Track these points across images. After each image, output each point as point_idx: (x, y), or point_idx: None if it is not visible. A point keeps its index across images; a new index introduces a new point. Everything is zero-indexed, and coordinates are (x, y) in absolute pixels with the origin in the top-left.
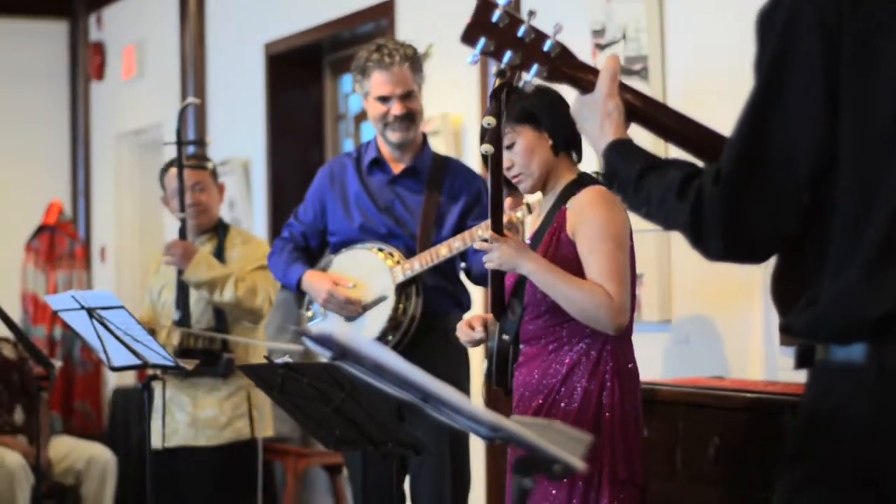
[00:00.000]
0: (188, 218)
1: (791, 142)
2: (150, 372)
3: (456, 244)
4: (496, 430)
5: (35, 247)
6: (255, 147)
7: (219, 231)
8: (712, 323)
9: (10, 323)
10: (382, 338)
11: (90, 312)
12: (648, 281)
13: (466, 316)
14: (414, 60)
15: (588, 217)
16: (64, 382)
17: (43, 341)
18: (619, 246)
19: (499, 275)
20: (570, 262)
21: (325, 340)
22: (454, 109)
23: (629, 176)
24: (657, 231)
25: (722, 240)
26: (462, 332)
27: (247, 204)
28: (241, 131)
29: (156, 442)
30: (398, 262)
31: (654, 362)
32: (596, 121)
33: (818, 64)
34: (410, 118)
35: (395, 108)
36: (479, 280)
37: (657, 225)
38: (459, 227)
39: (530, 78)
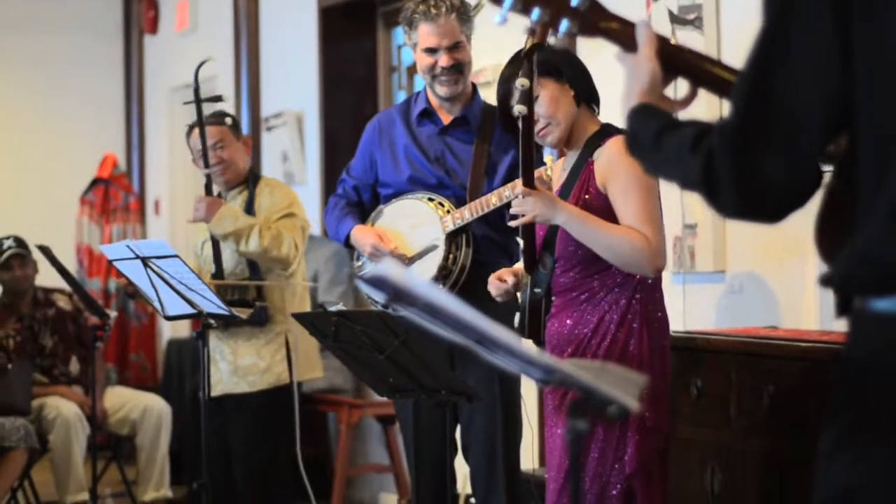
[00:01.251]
0: (214, 175)
1: (800, 88)
2: (203, 321)
3: (506, 193)
4: (551, 373)
5: (90, 200)
6: (308, 100)
7: (249, 183)
8: (766, 273)
9: (66, 274)
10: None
11: (144, 261)
12: (703, 231)
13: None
14: (461, 11)
15: (618, 167)
16: (119, 334)
17: (98, 293)
18: (650, 192)
19: (529, 228)
20: (602, 214)
21: (379, 282)
22: (506, 60)
23: (648, 137)
24: None
25: (734, 195)
26: (492, 286)
27: (300, 157)
28: (294, 84)
29: (202, 393)
30: (448, 212)
31: (707, 312)
32: (628, 83)
33: (827, 4)
34: (458, 69)
35: (443, 60)
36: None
37: (676, 184)
38: (510, 177)
39: (561, 34)
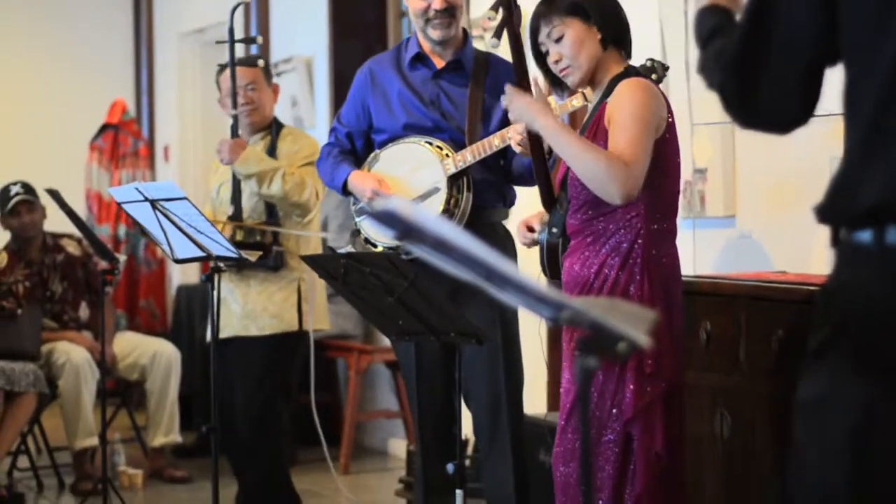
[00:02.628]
0: (241, 117)
1: (795, 16)
2: (212, 264)
3: (509, 134)
4: (560, 309)
5: (99, 145)
6: (317, 44)
7: (272, 130)
8: (776, 218)
9: (75, 217)
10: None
11: (153, 204)
12: (712, 176)
13: (515, 213)
14: None
15: (619, 103)
16: (128, 281)
17: (107, 240)
18: (646, 129)
19: (543, 169)
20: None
21: (387, 217)
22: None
23: (700, 40)
24: (721, 125)
25: (738, 112)
26: (521, 234)
27: (309, 102)
28: (303, 29)
29: (210, 337)
30: (448, 155)
31: (717, 257)
32: None
33: None
34: (451, 13)
35: (436, 3)
36: (517, 179)
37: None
38: (505, 122)
39: None
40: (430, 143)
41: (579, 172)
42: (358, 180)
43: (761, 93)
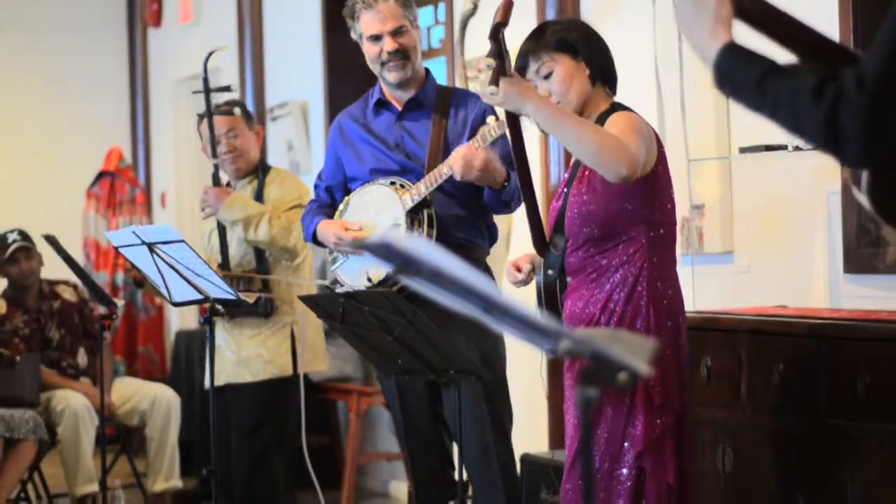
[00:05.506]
0: (224, 164)
1: None
2: (210, 307)
3: (449, 162)
4: (559, 340)
5: (96, 193)
6: (312, 89)
7: (259, 173)
8: (774, 253)
9: (72, 263)
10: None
11: (150, 247)
12: (710, 211)
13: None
14: None
15: (613, 121)
16: (127, 327)
17: (105, 287)
18: (640, 136)
19: (534, 212)
20: (602, 187)
21: (384, 249)
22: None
23: (750, 78)
24: (717, 161)
25: (862, 145)
26: (510, 275)
27: (305, 146)
28: (298, 73)
29: (207, 382)
30: (407, 191)
31: (716, 293)
32: (706, 24)
33: None
34: (404, 55)
35: (387, 45)
36: (493, 208)
37: (782, 126)
38: None
39: None
40: (394, 183)
41: (579, 150)
42: (323, 228)
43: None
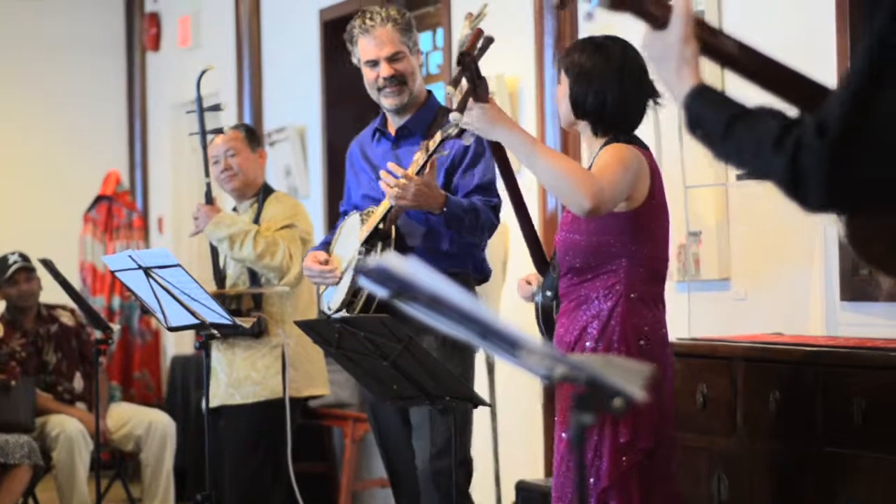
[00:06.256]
0: (222, 183)
1: None
2: (206, 332)
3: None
4: (555, 366)
5: (93, 217)
6: (310, 114)
7: (261, 196)
8: (771, 280)
9: (68, 287)
10: (353, 297)
11: (147, 272)
12: (707, 239)
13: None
14: (399, 21)
15: (602, 154)
16: (123, 352)
17: (102, 311)
18: (622, 166)
19: (531, 233)
20: (591, 219)
21: (381, 274)
22: (510, 71)
23: (717, 124)
24: (714, 188)
25: (824, 194)
26: (521, 289)
27: (303, 171)
28: (296, 98)
29: (205, 404)
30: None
31: (713, 320)
32: (671, 64)
33: None
34: (400, 80)
35: (383, 70)
36: (449, 236)
37: (748, 174)
38: (445, 184)
39: (591, 7)
40: (365, 214)
41: (544, 180)
42: (304, 261)
43: (859, 175)
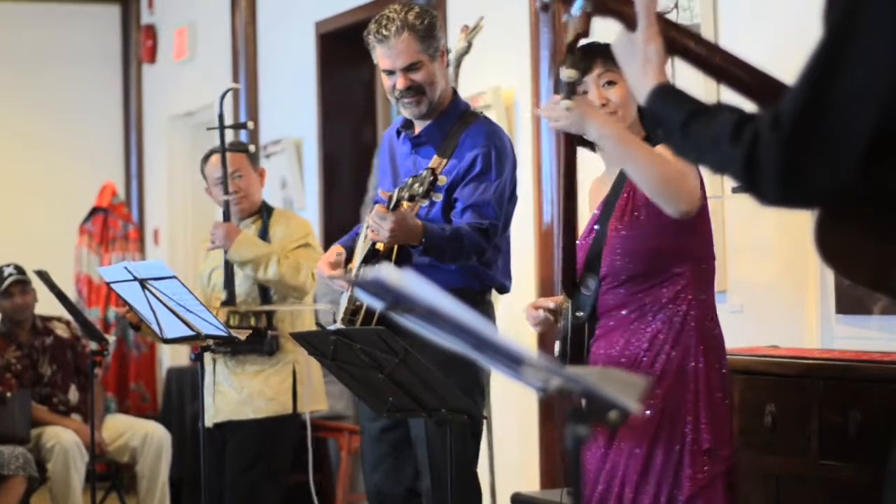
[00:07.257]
0: (231, 204)
1: (858, 100)
2: (202, 343)
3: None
4: (550, 378)
5: (89, 229)
6: (306, 126)
7: (262, 214)
8: (767, 293)
9: (63, 299)
10: (353, 315)
11: (142, 283)
12: None
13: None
14: (416, 28)
15: (665, 153)
16: (118, 364)
17: (97, 323)
18: (692, 172)
19: (571, 253)
20: (652, 222)
21: (375, 286)
22: (506, 83)
23: (676, 121)
24: (711, 200)
25: (778, 187)
26: (530, 317)
27: (299, 183)
28: (292, 111)
29: (206, 420)
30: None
31: None
32: (636, 64)
33: (892, 19)
34: (417, 91)
35: (399, 82)
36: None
37: (708, 169)
38: (446, 199)
39: (575, 11)
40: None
41: (644, 178)
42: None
43: (812, 168)
